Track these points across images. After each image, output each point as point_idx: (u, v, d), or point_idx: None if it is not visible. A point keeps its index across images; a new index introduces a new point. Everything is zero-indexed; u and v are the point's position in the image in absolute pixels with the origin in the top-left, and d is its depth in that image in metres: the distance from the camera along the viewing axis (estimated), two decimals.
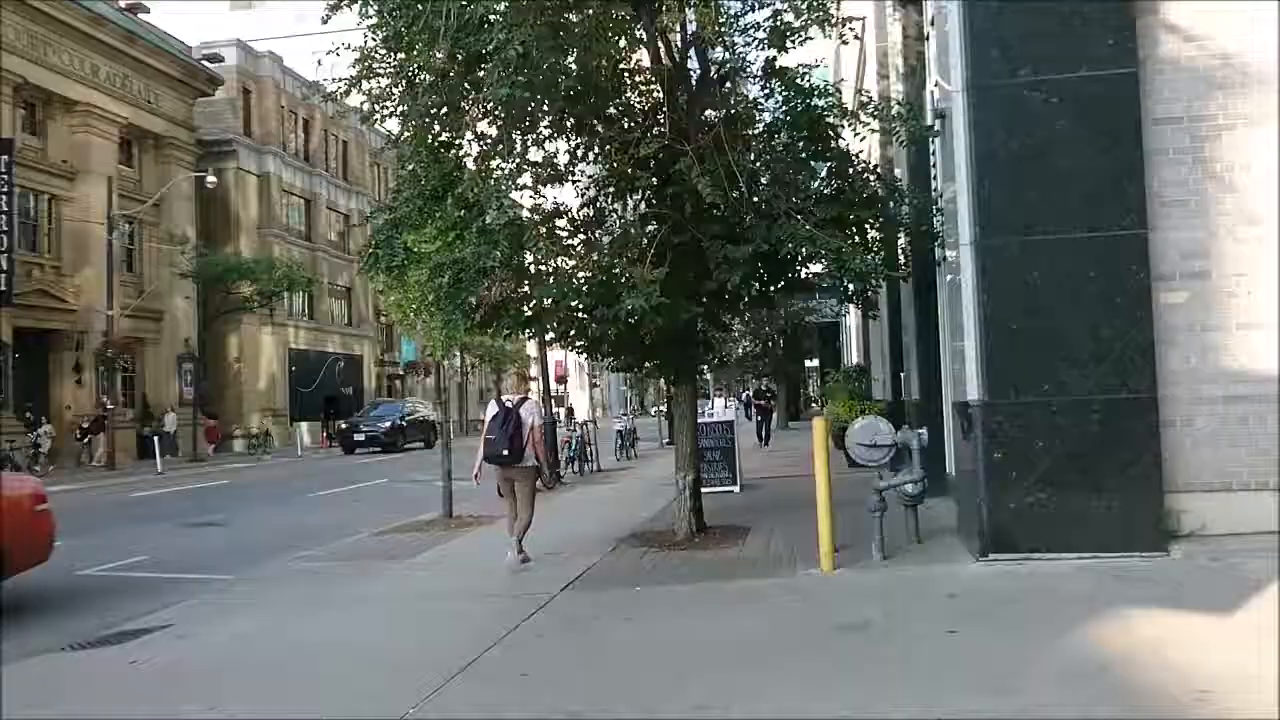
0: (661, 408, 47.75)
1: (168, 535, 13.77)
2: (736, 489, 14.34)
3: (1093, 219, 7.29)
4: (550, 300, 8.69)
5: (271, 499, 18.90)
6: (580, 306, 8.56)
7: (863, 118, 8.87)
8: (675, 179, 8.70)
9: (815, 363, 44.63)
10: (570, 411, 27.05)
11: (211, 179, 34.57)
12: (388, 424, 34.97)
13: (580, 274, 8.56)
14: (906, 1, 11.50)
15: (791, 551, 8.73)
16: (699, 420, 15.15)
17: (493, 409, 9.03)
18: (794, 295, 10.32)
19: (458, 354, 20.87)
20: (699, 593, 7.56)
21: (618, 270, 8.37)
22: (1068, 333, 7.31)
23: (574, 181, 9.75)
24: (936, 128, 8.68)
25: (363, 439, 34.51)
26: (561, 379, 66.15)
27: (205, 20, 46.58)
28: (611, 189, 9.37)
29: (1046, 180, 7.33)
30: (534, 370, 73.66)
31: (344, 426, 36.69)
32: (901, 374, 14.26)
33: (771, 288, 9.69)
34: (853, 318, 31.38)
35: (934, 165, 10.82)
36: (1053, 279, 7.33)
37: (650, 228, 9.18)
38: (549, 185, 9.37)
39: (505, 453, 8.72)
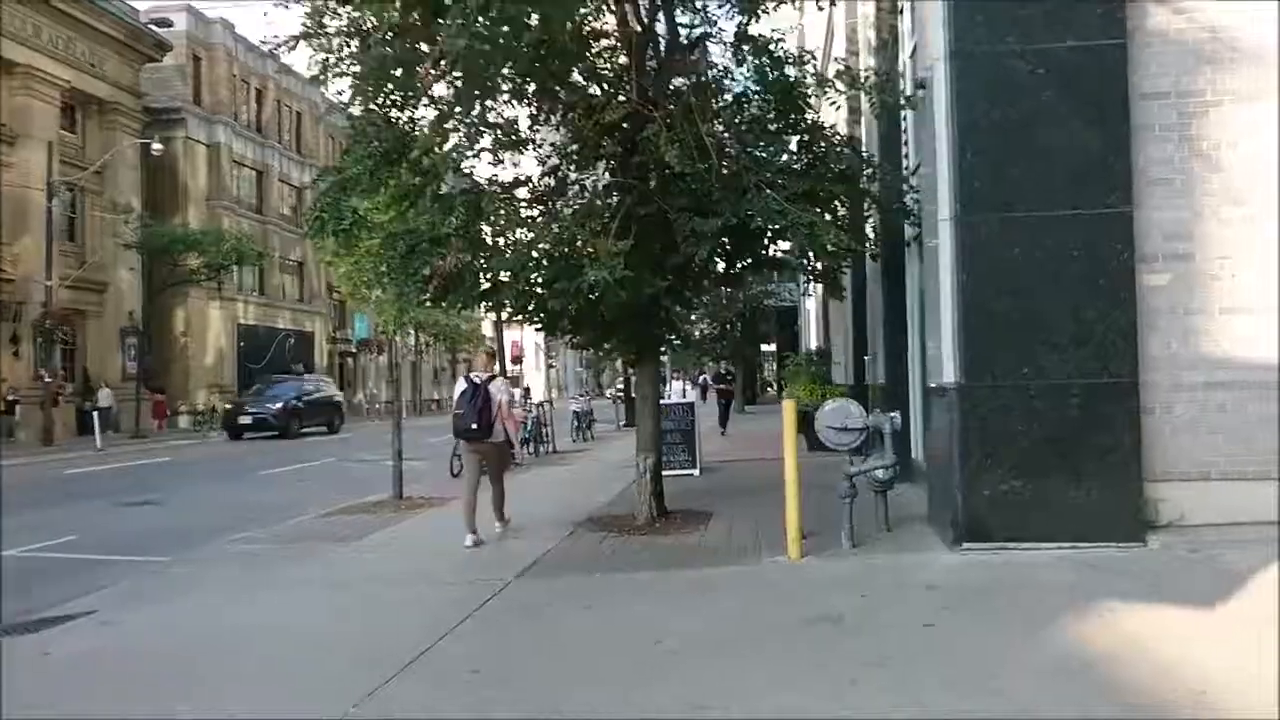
0: (618, 389, 47.37)
1: (102, 514, 13.17)
2: (696, 472, 14.02)
3: (1076, 196, 7.00)
4: (508, 273, 8.24)
5: (214, 477, 18.28)
6: (539, 280, 8.12)
7: (839, 87, 8.51)
8: (642, 147, 8.32)
9: (772, 347, 44.57)
10: (527, 391, 26.66)
11: (157, 146, 33.38)
12: (279, 405, 30.54)
13: (540, 245, 8.11)
14: None
15: (756, 538, 8.41)
16: (665, 403, 14.87)
17: (461, 385, 9.00)
18: (760, 273, 9.91)
19: (411, 332, 20.33)
20: (660, 580, 7.20)
21: (580, 242, 7.95)
22: (1048, 314, 7.03)
23: (535, 148, 9.31)
24: (918, 96, 8.33)
25: (249, 422, 30.00)
26: (517, 359, 65.55)
27: None
28: (575, 157, 8.91)
29: (1030, 154, 7.03)
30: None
31: (229, 407, 32.05)
32: (866, 358, 14.02)
33: (739, 264, 9.32)
34: (813, 302, 31.19)
35: (905, 142, 10.54)
36: (1034, 258, 7.03)
37: (614, 199, 8.76)
38: (508, 152, 8.92)
39: (474, 426, 8.70)
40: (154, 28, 37.93)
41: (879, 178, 9.28)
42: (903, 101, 8.29)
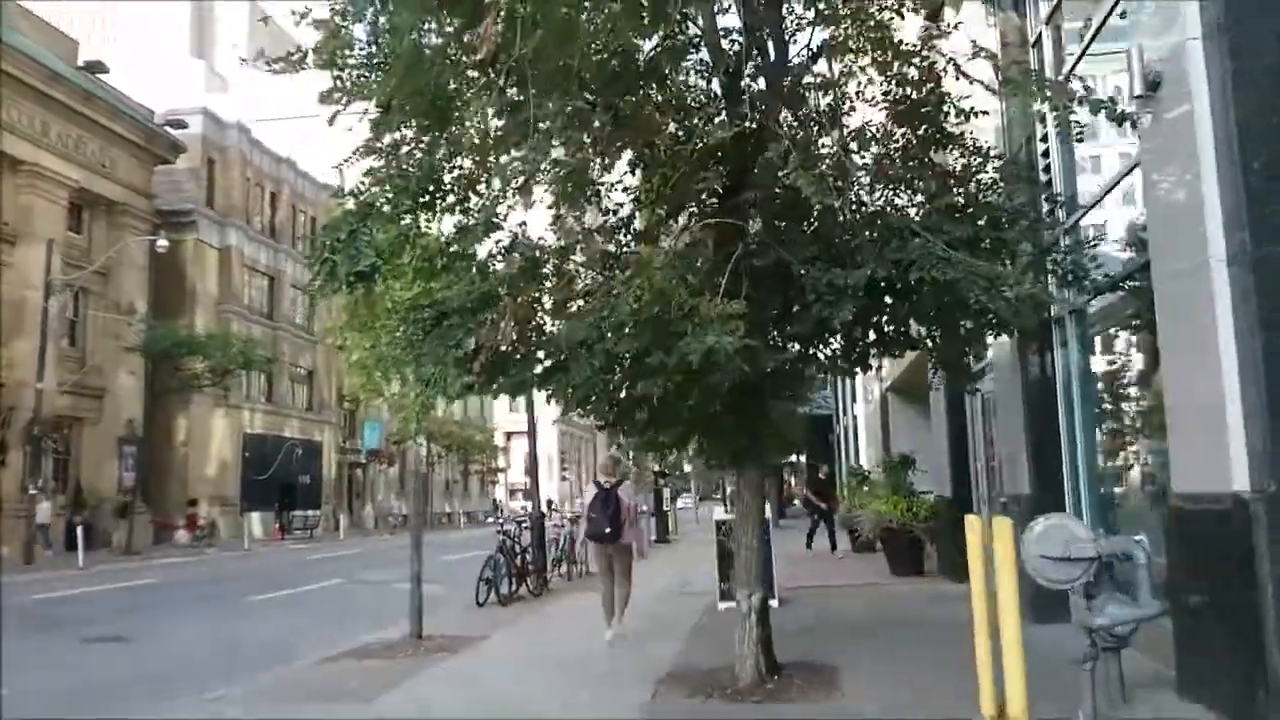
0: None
1: (56, 654, 10.81)
2: (775, 603, 11.62)
3: None
4: (582, 343, 6.12)
5: (203, 603, 15.88)
6: (623, 351, 6.00)
7: (1026, 95, 6.49)
8: (753, 179, 6.32)
9: (802, 458, 42.04)
10: (550, 504, 24.47)
11: (163, 242, 31.88)
12: None
13: (627, 304, 5.99)
14: None
15: (927, 708, 6.07)
16: (721, 518, 12.59)
17: (591, 490, 9.64)
18: (903, 342, 7.61)
19: (424, 441, 18.15)
20: None
21: (677, 300, 5.86)
22: None
23: (606, 194, 7.35)
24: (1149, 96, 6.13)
25: None
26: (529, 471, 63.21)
27: (174, 88, 44.51)
28: (661, 194, 6.82)
29: None
30: (500, 460, 70.97)
31: None
32: (978, 463, 11.81)
33: (890, 329, 7.07)
34: (861, 407, 29.02)
35: (1049, 176, 8.55)
36: None
37: (713, 247, 6.70)
38: (577, 199, 6.93)
39: (608, 530, 9.26)
40: (169, 129, 37.00)
41: (1056, 222, 7.26)
42: (1124, 109, 6.11)
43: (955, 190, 6.73)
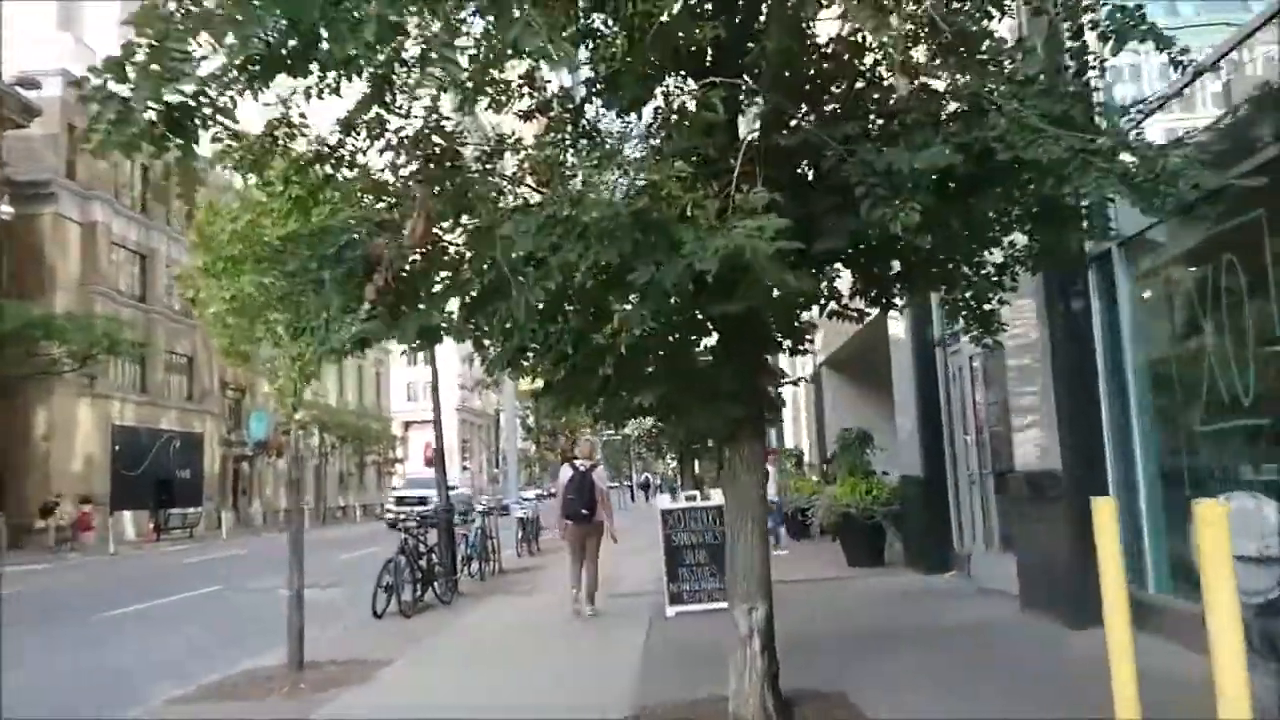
0: (548, 491, 42.60)
1: None
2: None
3: None
4: (529, 258, 4.14)
5: (50, 620, 13.32)
6: (590, 265, 4.03)
7: None
8: (760, 32, 4.46)
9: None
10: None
11: (7, 209, 28.47)
12: None
13: (591, 200, 4.03)
14: None
15: None
16: (670, 508, 10.74)
17: (567, 472, 10.25)
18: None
19: (301, 419, 15.95)
20: None
21: (669, 192, 3.96)
22: None
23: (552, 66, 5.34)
24: None
25: None
26: (431, 461, 60.39)
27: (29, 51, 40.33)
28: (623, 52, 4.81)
29: None
30: (398, 451, 67.89)
31: None
32: (969, 436, 10.23)
33: (962, 239, 5.14)
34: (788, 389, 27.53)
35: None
36: None
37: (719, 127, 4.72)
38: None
39: (585, 511, 9.88)
40: (19, 89, 33.33)
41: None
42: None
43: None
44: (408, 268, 4.37)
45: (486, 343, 4.94)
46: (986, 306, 6.46)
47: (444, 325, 4.90)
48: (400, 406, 69.45)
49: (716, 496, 11.18)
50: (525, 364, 5.48)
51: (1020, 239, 5.87)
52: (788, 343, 5.88)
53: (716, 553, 10.15)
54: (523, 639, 9.60)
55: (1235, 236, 5.67)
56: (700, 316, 4.94)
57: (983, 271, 6.03)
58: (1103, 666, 3.41)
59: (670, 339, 4.97)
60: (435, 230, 4.37)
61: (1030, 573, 8.06)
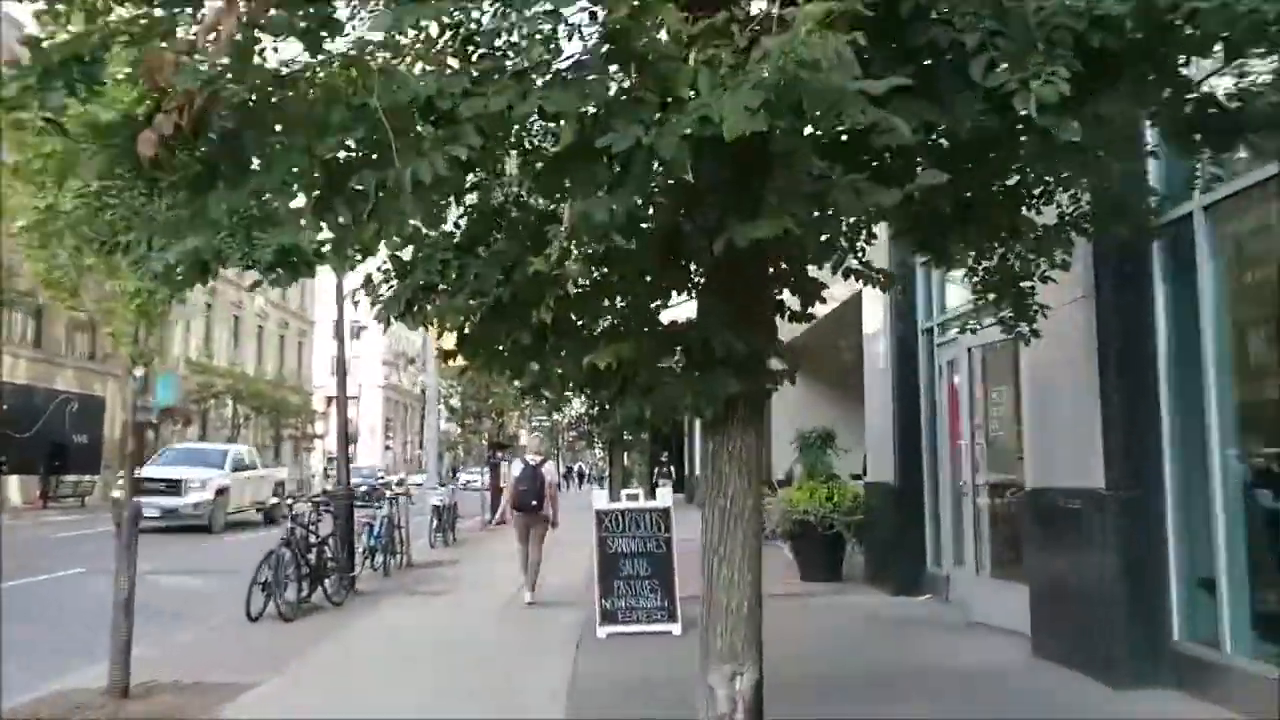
0: (471, 478, 40.30)
1: None
2: (677, 629, 8.26)
3: None
4: (429, 99, 2.49)
5: None
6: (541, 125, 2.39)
7: None
8: None
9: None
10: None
11: None
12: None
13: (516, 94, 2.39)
14: None
15: None
16: (606, 508, 9.11)
17: (519, 465, 10.68)
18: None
19: (229, 401, 14.00)
20: None
21: (664, 19, 2.35)
22: None
23: None
24: None
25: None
26: (350, 439, 57.73)
27: None
28: None
29: None
30: (318, 426, 65.07)
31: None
32: (961, 441, 8.76)
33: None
34: None
35: None
36: None
37: None
38: None
39: (534, 503, 10.26)
40: None
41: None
42: None
43: None
44: (220, 108, 2.64)
45: (354, 251, 3.21)
46: (1025, 284, 5.07)
47: (298, 251, 3.14)
48: (323, 380, 66.62)
49: (662, 495, 9.64)
50: (431, 306, 3.81)
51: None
52: (794, 302, 4.28)
53: (660, 564, 8.58)
54: (418, 656, 7.89)
55: None
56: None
57: (1035, 235, 4.58)
58: None
59: (645, 272, 3.33)
60: (260, 35, 2.64)
61: (1049, 612, 6.59)
